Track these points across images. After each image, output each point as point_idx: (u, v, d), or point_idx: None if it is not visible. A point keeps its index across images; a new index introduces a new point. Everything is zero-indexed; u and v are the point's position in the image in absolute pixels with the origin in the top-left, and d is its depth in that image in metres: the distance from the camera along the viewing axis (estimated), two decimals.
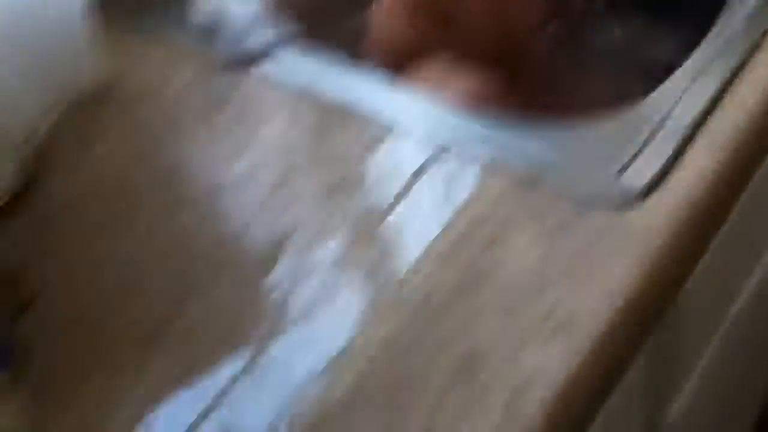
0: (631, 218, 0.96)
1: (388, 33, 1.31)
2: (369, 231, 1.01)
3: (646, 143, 1.02)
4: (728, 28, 1.13)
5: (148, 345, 0.96)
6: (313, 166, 1.09)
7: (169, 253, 1.04)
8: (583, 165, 1.01)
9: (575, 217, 0.97)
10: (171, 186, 1.12)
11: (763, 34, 1.12)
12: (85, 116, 1.20)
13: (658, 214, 0.96)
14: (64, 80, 1.19)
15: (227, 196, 1.09)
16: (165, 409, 0.91)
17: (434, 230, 0.99)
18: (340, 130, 1.11)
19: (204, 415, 0.89)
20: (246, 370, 0.91)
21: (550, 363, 0.86)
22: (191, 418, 0.89)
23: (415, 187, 1.04)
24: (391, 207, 1.03)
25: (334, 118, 1.13)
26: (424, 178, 1.05)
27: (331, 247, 1.00)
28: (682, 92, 1.05)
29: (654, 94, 1.07)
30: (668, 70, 1.10)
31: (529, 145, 1.04)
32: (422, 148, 1.07)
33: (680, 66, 1.10)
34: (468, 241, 0.97)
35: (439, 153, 1.06)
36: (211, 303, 0.98)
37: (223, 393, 0.90)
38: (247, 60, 1.20)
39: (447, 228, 0.99)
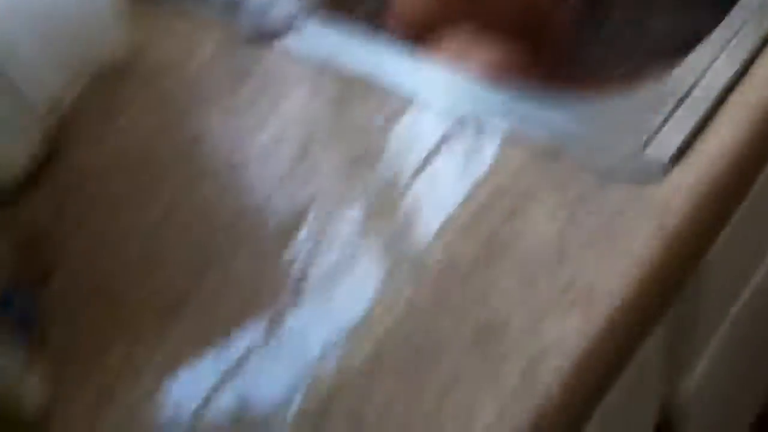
0: (653, 191, 0.95)
1: (410, 4, 1.31)
2: (389, 203, 1.01)
3: (669, 116, 1.00)
4: None
5: (169, 314, 0.96)
6: (334, 138, 1.09)
7: (191, 225, 1.05)
8: (605, 137, 1.01)
9: (597, 189, 0.96)
10: (193, 158, 1.12)
11: None
12: (109, 88, 1.21)
13: (681, 187, 0.95)
14: (88, 52, 1.20)
15: (248, 169, 1.09)
16: (183, 378, 0.91)
17: (454, 202, 0.99)
18: (362, 103, 1.11)
19: (221, 384, 0.89)
20: (264, 340, 0.92)
21: (567, 334, 0.86)
22: (209, 386, 0.89)
23: (435, 159, 1.04)
24: (412, 179, 1.02)
25: (355, 90, 1.12)
26: (445, 150, 1.04)
27: (350, 219, 1.00)
28: (708, 64, 1.04)
29: (679, 66, 1.05)
30: (694, 41, 1.09)
31: (551, 116, 1.03)
32: (443, 119, 1.07)
33: (707, 38, 1.08)
34: (488, 212, 0.97)
35: (460, 125, 1.06)
36: (231, 274, 0.98)
37: (240, 362, 0.90)
38: (270, 33, 1.20)
39: (467, 199, 0.99)
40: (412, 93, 1.10)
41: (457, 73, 1.12)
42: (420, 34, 1.23)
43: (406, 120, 1.08)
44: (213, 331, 0.94)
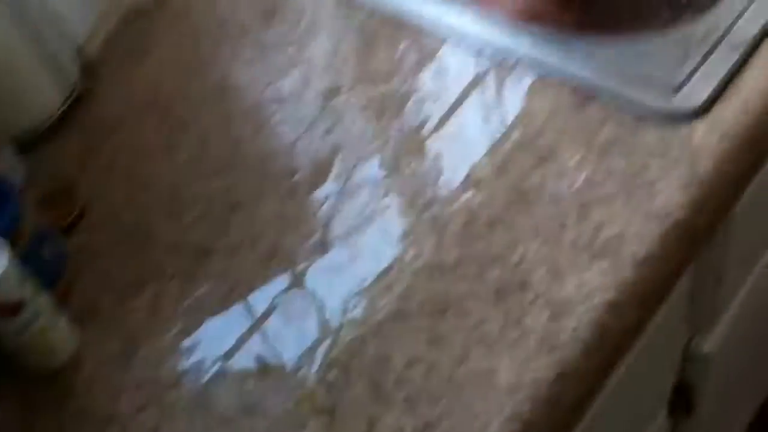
0: (684, 137, 0.94)
1: None
2: (416, 149, 1.00)
3: (703, 61, 0.98)
4: None
5: (198, 258, 0.97)
6: (363, 80, 1.08)
7: (220, 167, 1.05)
8: (636, 82, 0.99)
9: (627, 135, 0.95)
10: (223, 98, 1.12)
11: None
12: (138, 28, 1.20)
13: (712, 133, 0.93)
14: None
15: (277, 110, 1.08)
16: (210, 326, 0.92)
17: (482, 149, 0.98)
18: (392, 44, 1.10)
19: (247, 333, 0.90)
20: (289, 290, 0.92)
21: (591, 287, 0.85)
22: (235, 335, 0.90)
23: (464, 104, 1.03)
24: (440, 124, 1.01)
25: (386, 30, 1.11)
26: (474, 95, 1.03)
27: (377, 165, 1.00)
28: (742, 9, 1.01)
29: (714, 10, 1.03)
30: None
31: (583, 61, 1.01)
32: (473, 63, 1.05)
33: None
34: (516, 159, 0.96)
35: (491, 69, 1.04)
36: (258, 218, 0.99)
37: (265, 312, 0.91)
38: None
39: (495, 146, 0.98)
40: (443, 35, 1.08)
41: (489, 16, 1.10)
42: None
43: (435, 63, 1.07)
44: (240, 278, 0.94)
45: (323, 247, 0.94)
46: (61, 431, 0.88)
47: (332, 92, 1.07)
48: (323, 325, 0.89)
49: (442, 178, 0.97)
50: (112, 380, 0.90)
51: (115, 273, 0.98)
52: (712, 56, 0.98)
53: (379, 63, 1.09)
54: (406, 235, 0.93)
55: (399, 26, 1.11)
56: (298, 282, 0.92)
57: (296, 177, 1.01)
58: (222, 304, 0.93)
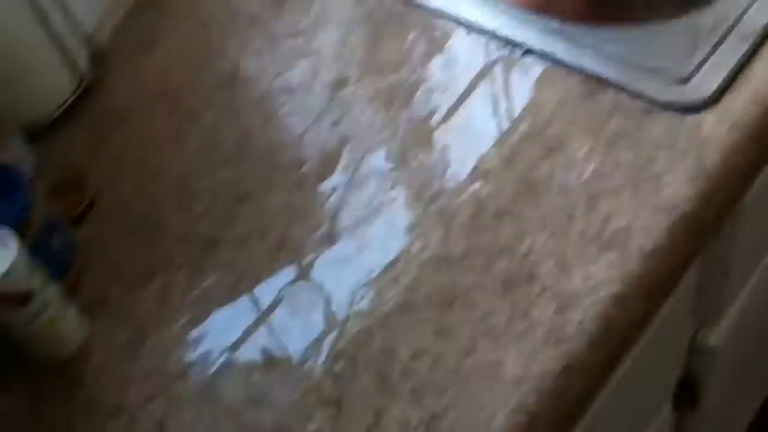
0: (693, 128, 0.93)
1: None
2: (424, 140, 1.00)
3: (712, 51, 0.98)
4: None
5: (206, 248, 0.98)
6: (371, 70, 1.08)
7: (229, 157, 1.05)
8: (646, 72, 0.98)
9: (636, 125, 0.95)
10: (233, 88, 1.12)
11: None
12: (146, 20, 1.21)
13: (721, 124, 0.93)
14: None
15: (287, 101, 1.08)
16: (218, 317, 0.92)
17: (490, 140, 0.98)
18: (402, 32, 1.10)
19: (254, 325, 0.90)
20: (295, 282, 0.92)
21: (598, 280, 0.85)
22: (242, 326, 0.91)
23: (473, 94, 1.02)
24: (449, 113, 1.01)
25: (395, 20, 1.11)
26: (483, 84, 1.03)
27: (385, 156, 1.00)
28: None
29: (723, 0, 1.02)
30: None
31: (593, 51, 1.01)
32: (483, 53, 1.05)
33: None
34: (524, 150, 0.96)
35: (500, 59, 1.04)
36: (266, 209, 0.99)
37: (272, 304, 0.91)
38: None
39: (504, 137, 0.98)
40: (452, 25, 1.08)
41: (498, 6, 1.09)
42: None
43: (444, 53, 1.07)
44: (247, 270, 0.95)
45: (331, 239, 0.94)
46: (70, 421, 0.88)
47: (340, 83, 1.07)
48: (330, 316, 0.89)
49: (450, 170, 0.97)
50: (121, 371, 0.90)
51: (123, 263, 0.99)
52: (722, 47, 0.98)
53: (387, 53, 1.09)
54: (413, 226, 0.93)
55: (408, 16, 1.11)
56: (305, 274, 0.93)
57: (304, 168, 1.01)
58: (229, 295, 0.93)
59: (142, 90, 1.14)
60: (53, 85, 1.12)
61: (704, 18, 1.01)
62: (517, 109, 1.00)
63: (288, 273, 0.93)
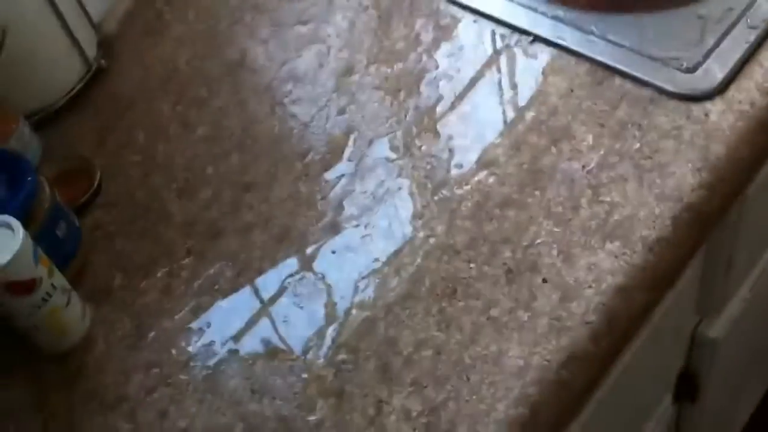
0: (699, 118, 0.93)
1: None
2: (430, 127, 0.99)
3: (720, 40, 0.97)
4: None
5: (211, 237, 0.97)
6: (378, 58, 1.08)
7: (236, 145, 1.05)
8: (653, 62, 0.98)
9: (641, 115, 0.94)
10: (241, 75, 1.12)
11: None
12: (154, 7, 1.21)
13: (728, 114, 0.92)
14: None
15: (294, 89, 1.08)
16: (220, 307, 0.92)
17: (497, 127, 0.97)
18: (408, 21, 1.09)
19: (257, 316, 0.90)
20: (299, 273, 0.92)
21: (602, 270, 0.85)
22: (245, 317, 0.91)
23: (480, 82, 1.02)
24: (455, 102, 1.01)
25: (402, 8, 1.11)
26: (490, 73, 1.02)
27: (391, 145, 0.99)
28: None
29: None
30: None
31: (599, 40, 1.01)
32: (490, 41, 1.05)
33: None
34: (530, 139, 0.96)
35: (507, 47, 1.04)
36: (272, 198, 0.99)
37: (276, 295, 0.91)
38: None
39: (510, 125, 0.97)
40: (460, 13, 1.08)
41: None
42: None
43: (451, 41, 1.06)
44: (251, 259, 0.94)
45: (335, 229, 0.94)
46: (72, 411, 0.88)
47: (347, 71, 1.07)
48: (333, 307, 0.89)
49: (456, 159, 0.96)
50: (123, 361, 0.91)
51: (128, 252, 0.99)
52: (729, 36, 0.98)
53: (394, 41, 1.08)
54: (417, 216, 0.93)
55: (415, 4, 1.10)
56: (308, 264, 0.92)
57: (310, 157, 1.01)
58: (233, 285, 0.93)
59: (148, 78, 1.14)
60: (61, 72, 1.13)
61: (712, 7, 1.00)
62: (524, 98, 0.99)
63: (292, 263, 0.93)
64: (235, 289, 0.93)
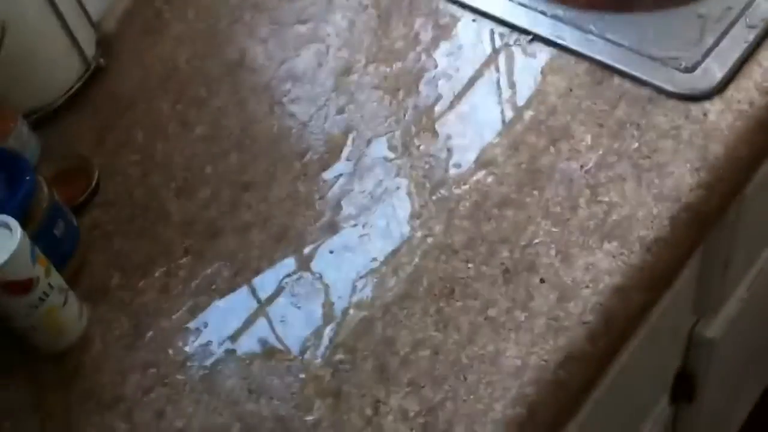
0: (698, 118, 0.93)
1: None
2: (429, 127, 0.99)
3: (719, 39, 0.97)
4: None
5: (209, 237, 0.97)
6: (377, 57, 1.07)
7: (234, 144, 1.05)
8: (652, 61, 0.98)
9: (640, 115, 0.94)
10: (240, 74, 1.12)
11: None
12: (153, 6, 1.21)
13: (727, 113, 0.92)
14: None
15: (293, 88, 1.08)
16: (217, 307, 0.92)
17: (495, 127, 0.97)
18: (408, 20, 1.09)
19: (254, 316, 0.90)
20: (297, 272, 0.92)
21: (599, 270, 0.85)
22: (242, 319, 0.91)
23: (479, 81, 1.02)
24: (454, 101, 1.01)
25: (402, 7, 1.11)
26: (489, 72, 1.02)
27: (389, 145, 0.99)
28: None
29: None
30: None
31: (601, 36, 1.01)
32: (489, 40, 1.05)
33: None
34: (529, 138, 0.95)
35: (506, 46, 1.03)
36: (270, 198, 0.99)
37: (273, 295, 0.91)
38: None
39: (508, 124, 0.97)
40: (459, 12, 1.08)
41: None
42: None
43: (450, 41, 1.06)
44: (249, 259, 0.94)
45: (333, 228, 0.94)
46: (69, 411, 0.88)
47: (346, 71, 1.07)
48: (330, 307, 0.89)
49: (454, 158, 0.96)
50: (120, 361, 0.91)
51: (125, 252, 0.99)
52: (728, 35, 0.97)
53: (393, 40, 1.08)
54: (415, 215, 0.93)
55: (415, 3, 1.10)
56: (306, 263, 0.92)
57: (308, 157, 1.01)
58: (230, 285, 0.93)
59: (148, 77, 1.14)
60: (60, 71, 1.13)
61: (711, 6, 1.00)
62: (523, 97, 0.99)
63: (289, 263, 0.93)
64: (232, 288, 0.93)
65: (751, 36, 0.96)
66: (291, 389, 0.85)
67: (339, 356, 0.86)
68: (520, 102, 0.99)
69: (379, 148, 0.99)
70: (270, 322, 0.89)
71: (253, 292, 0.92)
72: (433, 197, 0.94)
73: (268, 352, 0.88)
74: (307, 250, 0.93)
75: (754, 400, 1.67)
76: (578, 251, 0.87)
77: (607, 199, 0.89)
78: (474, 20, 1.07)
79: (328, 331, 0.87)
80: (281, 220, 0.96)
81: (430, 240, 0.91)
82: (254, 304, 0.91)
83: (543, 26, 1.04)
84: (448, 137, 0.98)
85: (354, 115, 1.03)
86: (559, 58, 1.01)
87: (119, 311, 0.94)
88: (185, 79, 1.12)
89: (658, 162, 0.90)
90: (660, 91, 0.95)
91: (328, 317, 0.88)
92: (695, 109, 0.93)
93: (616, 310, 0.83)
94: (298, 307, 0.89)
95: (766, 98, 0.92)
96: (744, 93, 0.93)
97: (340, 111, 1.03)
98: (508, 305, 0.85)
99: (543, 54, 1.02)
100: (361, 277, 0.90)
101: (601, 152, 0.93)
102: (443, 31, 1.07)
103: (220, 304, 0.92)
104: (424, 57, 1.06)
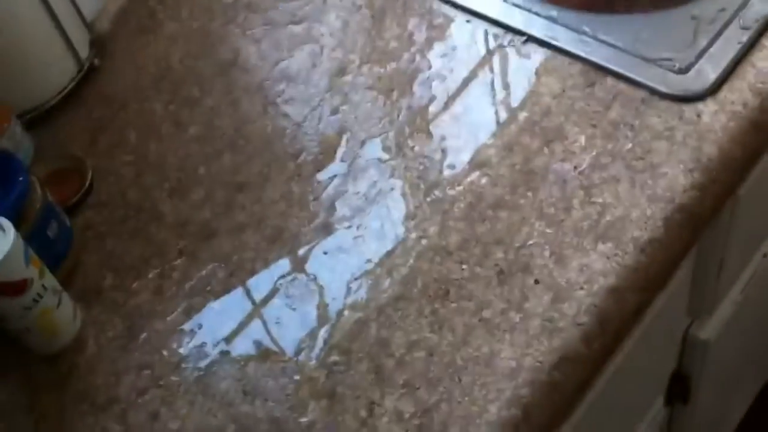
0: (691, 119, 0.93)
1: None
2: (423, 128, 0.99)
3: (713, 40, 0.97)
4: None
5: (203, 239, 0.97)
6: (372, 58, 1.07)
7: (228, 145, 1.05)
8: (645, 62, 0.98)
9: (634, 115, 0.95)
10: (234, 74, 1.12)
11: None
12: (147, 6, 1.20)
13: (720, 114, 0.93)
14: None
15: (287, 88, 1.08)
16: (212, 309, 0.92)
17: (489, 128, 0.97)
18: (402, 20, 1.09)
19: (249, 318, 0.90)
20: (291, 274, 0.92)
21: (593, 271, 0.85)
22: (236, 320, 0.90)
23: (473, 82, 1.02)
24: (448, 102, 1.01)
25: (396, 7, 1.11)
26: (483, 73, 1.02)
27: (383, 145, 0.99)
28: None
29: None
30: None
31: (595, 37, 1.01)
32: (483, 41, 1.05)
33: None
34: (523, 139, 0.96)
35: (500, 47, 1.04)
36: (264, 199, 0.98)
37: (267, 297, 0.91)
38: None
39: (502, 125, 0.97)
40: (453, 12, 1.08)
41: None
42: None
43: (444, 41, 1.06)
44: (243, 260, 0.94)
45: (327, 229, 0.94)
46: (63, 412, 0.88)
47: (340, 71, 1.07)
48: (325, 308, 0.89)
49: (448, 160, 0.96)
50: (114, 362, 0.90)
51: (119, 253, 0.98)
52: (722, 37, 0.98)
53: (387, 41, 1.08)
54: (410, 217, 0.93)
55: (409, 3, 1.10)
56: (301, 265, 0.92)
57: (302, 157, 1.01)
58: (225, 286, 0.93)
59: (141, 77, 1.14)
60: (53, 71, 1.12)
61: (705, 8, 1.00)
62: (517, 98, 0.99)
63: (284, 264, 0.93)
64: (227, 290, 0.93)
65: (745, 37, 0.96)
66: (286, 391, 0.85)
67: (334, 358, 0.86)
68: (514, 103, 0.99)
69: (374, 149, 0.99)
70: (265, 324, 0.89)
71: (248, 293, 0.92)
72: (428, 198, 0.94)
73: (263, 353, 0.87)
74: (301, 252, 0.93)
75: (749, 402, 1.67)
76: (572, 252, 0.87)
77: (600, 200, 0.90)
78: (468, 21, 1.07)
79: (322, 333, 0.87)
80: (275, 221, 0.96)
81: (424, 241, 0.91)
82: (249, 306, 0.91)
83: (537, 27, 1.04)
84: (443, 138, 0.98)
85: (348, 116, 1.03)
86: (553, 59, 1.01)
87: (113, 313, 0.94)
88: (179, 79, 1.12)
89: (652, 163, 0.91)
90: (653, 92, 0.95)
91: (322, 319, 0.88)
92: (689, 110, 0.93)
93: (611, 312, 0.83)
94: (293, 309, 0.89)
95: (760, 99, 0.93)
96: (737, 94, 0.94)
97: (334, 111, 1.03)
98: (502, 306, 0.85)
99: (537, 55, 1.02)
100: (355, 279, 0.90)
101: (594, 153, 0.93)
102: (437, 31, 1.07)
103: (214, 305, 0.92)
104: (418, 58, 1.06)
